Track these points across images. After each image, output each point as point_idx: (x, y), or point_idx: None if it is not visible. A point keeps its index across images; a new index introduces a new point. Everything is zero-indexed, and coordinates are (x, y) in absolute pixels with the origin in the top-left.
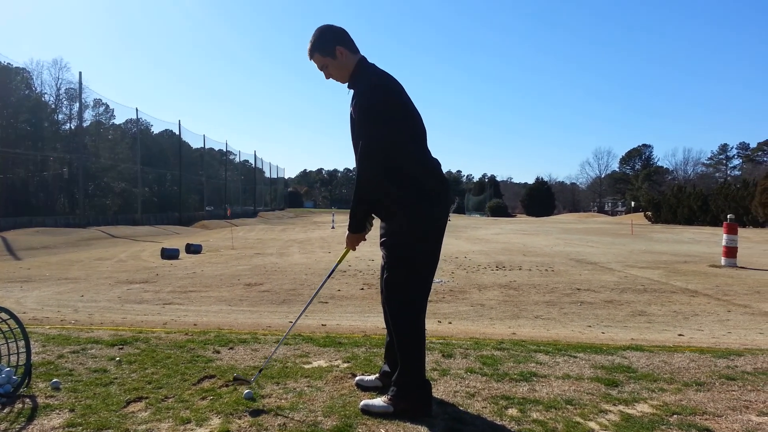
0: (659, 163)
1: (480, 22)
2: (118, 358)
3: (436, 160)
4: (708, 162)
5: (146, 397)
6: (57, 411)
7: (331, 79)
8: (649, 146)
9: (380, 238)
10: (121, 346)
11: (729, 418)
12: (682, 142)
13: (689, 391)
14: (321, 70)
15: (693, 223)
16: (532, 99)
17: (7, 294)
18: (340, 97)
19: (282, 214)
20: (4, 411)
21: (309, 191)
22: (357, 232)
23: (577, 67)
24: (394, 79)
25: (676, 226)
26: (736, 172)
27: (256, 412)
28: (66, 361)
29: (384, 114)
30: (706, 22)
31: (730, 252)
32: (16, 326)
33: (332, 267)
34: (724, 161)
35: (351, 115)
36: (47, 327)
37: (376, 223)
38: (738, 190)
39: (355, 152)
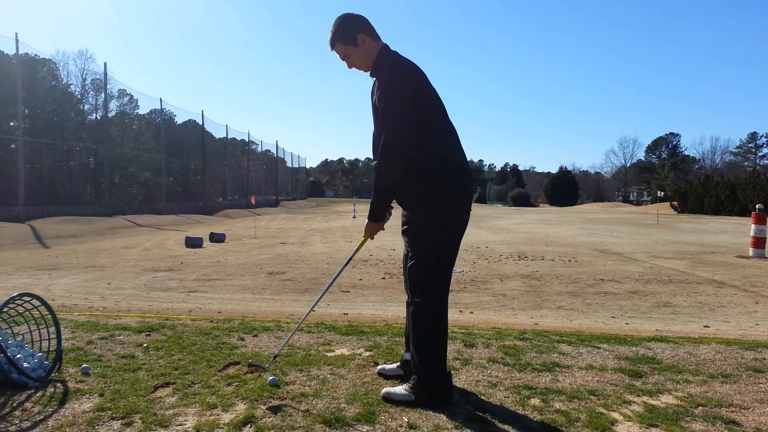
0: (686, 152)
1: (504, 6)
2: (145, 345)
3: (461, 150)
4: (736, 150)
5: (173, 383)
6: (87, 395)
7: (353, 68)
8: (676, 135)
9: (402, 226)
10: (148, 333)
11: (756, 410)
12: (710, 131)
13: (715, 383)
14: (343, 59)
15: (720, 213)
16: (556, 87)
17: (36, 281)
18: (361, 85)
19: (303, 203)
20: (37, 395)
21: (330, 181)
22: (376, 221)
23: (604, 53)
24: (418, 67)
25: (703, 216)
26: (766, 161)
27: (280, 399)
28: (95, 347)
29: (407, 105)
30: (733, 6)
31: (759, 242)
32: (47, 313)
33: (351, 252)
34: (753, 150)
35: (374, 103)
36: (76, 314)
37: (397, 212)
38: (767, 179)
39: (376, 140)
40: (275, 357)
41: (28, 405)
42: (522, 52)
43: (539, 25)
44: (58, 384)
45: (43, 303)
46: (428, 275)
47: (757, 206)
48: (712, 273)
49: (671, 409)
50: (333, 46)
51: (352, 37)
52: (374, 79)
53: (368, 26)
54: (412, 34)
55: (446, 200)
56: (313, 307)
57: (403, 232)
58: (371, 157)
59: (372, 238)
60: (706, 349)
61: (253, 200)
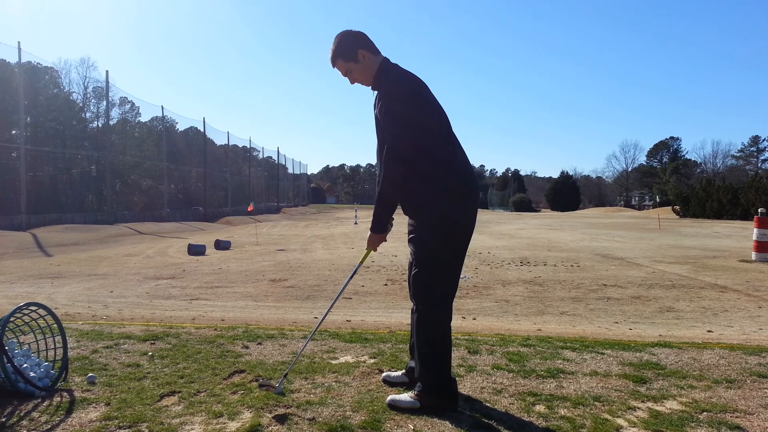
0: (687, 156)
1: (506, 8)
2: (150, 353)
3: (465, 158)
4: (738, 154)
5: (179, 392)
6: (93, 404)
7: (356, 83)
8: (677, 139)
9: (408, 235)
10: (152, 341)
11: (761, 415)
12: (711, 135)
13: (719, 388)
14: (345, 75)
15: (722, 217)
16: (557, 91)
17: (39, 290)
18: (362, 92)
19: (305, 209)
20: (44, 404)
21: (331, 187)
22: (379, 232)
23: (605, 56)
24: (418, 78)
25: (705, 221)
26: None
27: (286, 407)
28: (100, 356)
29: (408, 116)
30: (736, 8)
31: (762, 246)
32: (53, 322)
33: (356, 265)
34: (755, 154)
35: (376, 116)
36: (80, 322)
37: (401, 220)
38: None
39: (379, 153)
40: (285, 376)
41: (35, 414)
42: (523, 56)
43: (541, 29)
44: (65, 393)
45: (49, 312)
46: (432, 283)
47: (759, 210)
48: (715, 277)
49: (676, 415)
50: (334, 63)
51: (353, 53)
52: (375, 92)
53: (367, 41)
54: (411, 36)
55: (449, 208)
56: (321, 321)
57: (410, 241)
58: (373, 164)
59: (375, 250)
60: (710, 354)
61: (250, 208)
